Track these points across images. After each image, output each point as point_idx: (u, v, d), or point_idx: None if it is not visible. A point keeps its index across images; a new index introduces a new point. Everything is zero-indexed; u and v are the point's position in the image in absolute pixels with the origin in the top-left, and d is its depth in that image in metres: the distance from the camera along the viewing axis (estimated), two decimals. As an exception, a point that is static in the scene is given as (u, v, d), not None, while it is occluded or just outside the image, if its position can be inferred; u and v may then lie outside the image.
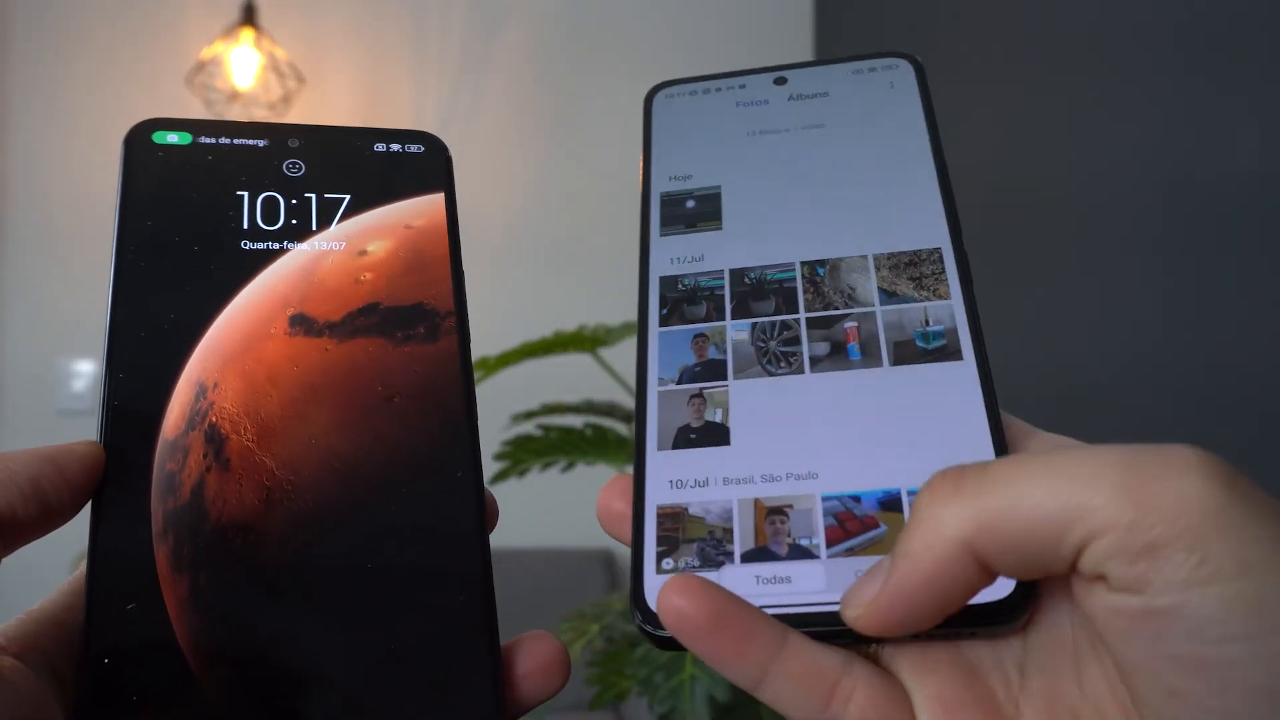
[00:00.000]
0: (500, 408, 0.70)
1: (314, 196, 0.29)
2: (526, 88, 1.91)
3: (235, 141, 0.30)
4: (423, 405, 0.27)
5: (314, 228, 0.29)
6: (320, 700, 0.23)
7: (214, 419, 0.26)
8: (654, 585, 0.24)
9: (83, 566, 0.24)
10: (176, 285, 0.27)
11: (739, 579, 0.24)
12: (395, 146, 0.31)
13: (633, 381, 0.28)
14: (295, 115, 1.75)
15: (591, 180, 1.86)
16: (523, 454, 0.77)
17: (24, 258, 1.78)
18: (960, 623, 0.22)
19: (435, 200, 0.30)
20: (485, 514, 0.26)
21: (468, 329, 0.29)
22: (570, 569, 1.67)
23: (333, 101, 1.85)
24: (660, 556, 0.24)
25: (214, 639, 0.23)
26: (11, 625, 0.23)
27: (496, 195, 1.84)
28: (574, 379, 1.09)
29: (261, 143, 0.30)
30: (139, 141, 0.29)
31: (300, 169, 0.30)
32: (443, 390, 0.27)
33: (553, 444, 0.77)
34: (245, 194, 0.29)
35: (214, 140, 0.30)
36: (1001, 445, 0.25)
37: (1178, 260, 0.93)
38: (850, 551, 0.24)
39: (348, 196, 0.30)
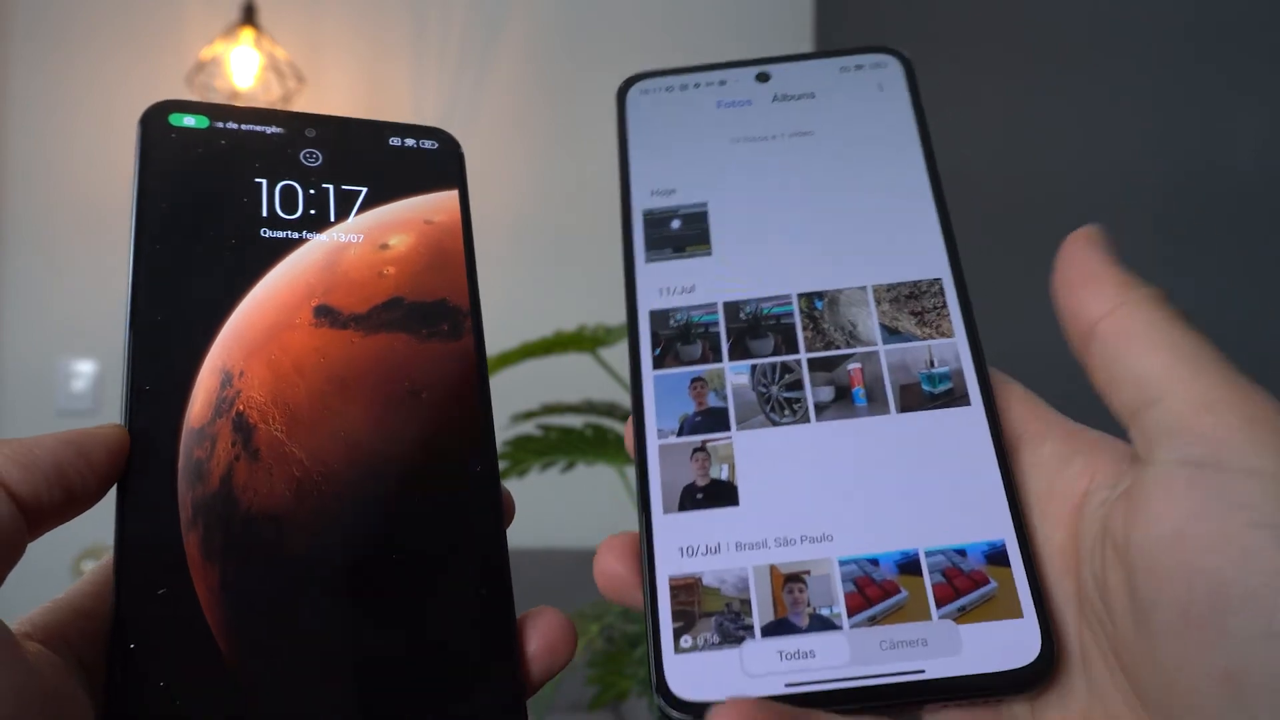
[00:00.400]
0: (500, 408, 0.70)
1: (331, 187, 0.29)
2: (526, 88, 1.91)
3: (252, 128, 0.29)
4: (446, 400, 0.27)
5: (332, 219, 0.29)
6: (346, 687, 0.23)
7: (241, 407, 0.25)
8: (674, 666, 0.23)
9: (108, 557, 0.23)
10: (198, 270, 0.27)
11: (761, 655, 0.23)
12: (410, 141, 0.31)
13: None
14: (295, 116, 1.75)
15: (591, 180, 1.86)
16: (523, 454, 0.77)
17: (24, 258, 1.77)
18: (983, 690, 0.22)
19: (450, 196, 0.30)
20: (503, 508, 0.26)
21: (482, 327, 0.29)
22: (570, 569, 1.66)
23: (333, 102, 1.85)
24: (678, 634, 0.24)
25: (245, 625, 0.23)
26: (38, 613, 0.23)
27: (496, 195, 1.84)
28: (574, 379, 1.09)
29: (279, 130, 0.29)
30: (155, 122, 0.29)
31: (317, 159, 0.29)
32: (464, 387, 0.27)
33: (553, 444, 0.77)
34: (263, 181, 0.28)
35: (230, 125, 0.29)
36: (1014, 496, 0.24)
37: (1189, 258, 0.94)
38: (873, 620, 0.23)
39: (365, 189, 0.29)
